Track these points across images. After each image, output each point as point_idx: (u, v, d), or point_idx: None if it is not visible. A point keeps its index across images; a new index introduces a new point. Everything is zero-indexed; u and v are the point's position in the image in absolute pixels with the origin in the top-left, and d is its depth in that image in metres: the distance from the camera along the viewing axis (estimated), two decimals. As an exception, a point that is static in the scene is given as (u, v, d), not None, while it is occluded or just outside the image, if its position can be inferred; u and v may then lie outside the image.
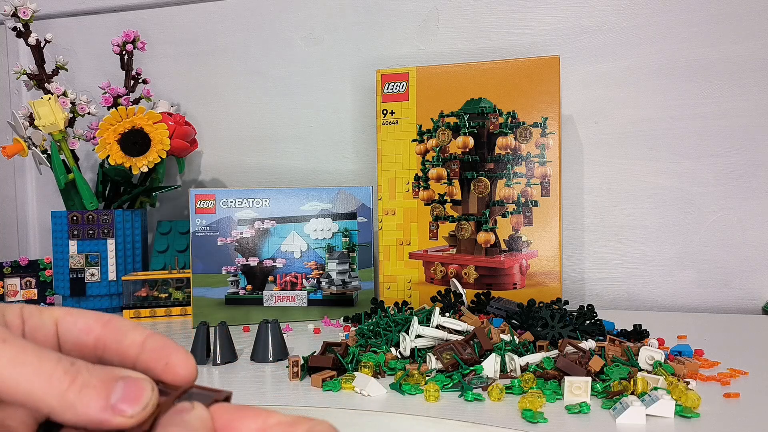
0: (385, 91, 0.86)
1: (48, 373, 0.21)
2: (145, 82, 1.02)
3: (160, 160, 0.88)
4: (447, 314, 0.70)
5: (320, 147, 1.07)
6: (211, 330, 0.65)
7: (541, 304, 0.69)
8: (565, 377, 0.50)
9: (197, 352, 0.63)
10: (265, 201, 0.83)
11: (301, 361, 0.58)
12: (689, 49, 0.91)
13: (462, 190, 0.84)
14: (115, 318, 0.26)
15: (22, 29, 0.92)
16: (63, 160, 0.94)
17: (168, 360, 0.24)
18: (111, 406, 0.21)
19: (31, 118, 0.95)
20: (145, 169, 0.88)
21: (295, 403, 0.51)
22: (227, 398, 0.24)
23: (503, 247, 0.83)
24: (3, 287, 0.94)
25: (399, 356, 0.61)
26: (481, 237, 0.83)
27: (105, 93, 0.97)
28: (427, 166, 0.85)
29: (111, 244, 0.92)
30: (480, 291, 0.81)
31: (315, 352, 0.61)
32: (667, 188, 0.93)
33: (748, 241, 0.90)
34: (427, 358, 0.58)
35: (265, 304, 0.83)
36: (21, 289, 0.95)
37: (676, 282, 0.93)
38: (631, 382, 0.50)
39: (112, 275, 0.92)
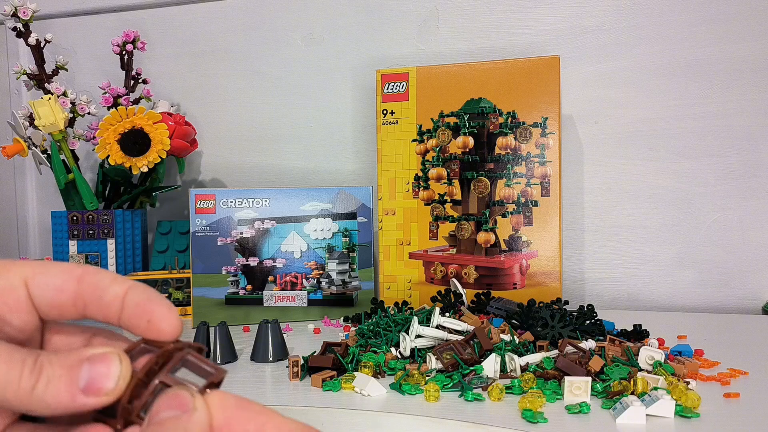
0: (385, 91, 0.86)
1: (16, 377, 0.21)
2: (145, 82, 1.02)
3: (160, 160, 0.88)
4: (447, 314, 0.70)
5: (320, 147, 1.07)
6: (211, 330, 0.65)
7: (541, 304, 0.69)
8: (565, 377, 0.50)
9: (197, 352, 0.63)
10: (265, 201, 0.83)
11: (301, 361, 0.58)
12: (689, 49, 0.91)
13: (462, 190, 0.84)
14: (89, 271, 0.24)
15: (22, 29, 0.92)
16: (63, 160, 0.94)
17: (150, 316, 0.23)
18: (82, 390, 0.21)
19: (31, 118, 0.95)
20: (145, 169, 0.88)
21: (295, 403, 0.51)
22: (221, 381, 0.23)
23: (503, 247, 0.83)
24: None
25: (399, 356, 0.61)
26: (481, 237, 0.83)
27: (105, 93, 0.97)
28: (427, 166, 0.85)
29: (111, 244, 0.92)
30: (480, 291, 0.81)
31: (315, 352, 0.61)
32: (667, 188, 0.93)
33: (748, 241, 0.90)
34: (427, 358, 0.58)
35: (265, 304, 0.83)
36: (21, 289, 0.95)
37: (676, 282, 0.93)
38: (631, 382, 0.50)
39: (112, 275, 0.92)
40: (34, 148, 0.94)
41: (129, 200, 0.99)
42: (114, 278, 0.24)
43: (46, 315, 0.24)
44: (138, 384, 0.22)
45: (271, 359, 0.63)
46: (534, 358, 0.57)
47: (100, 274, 0.24)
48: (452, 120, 0.84)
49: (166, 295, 0.88)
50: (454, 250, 0.85)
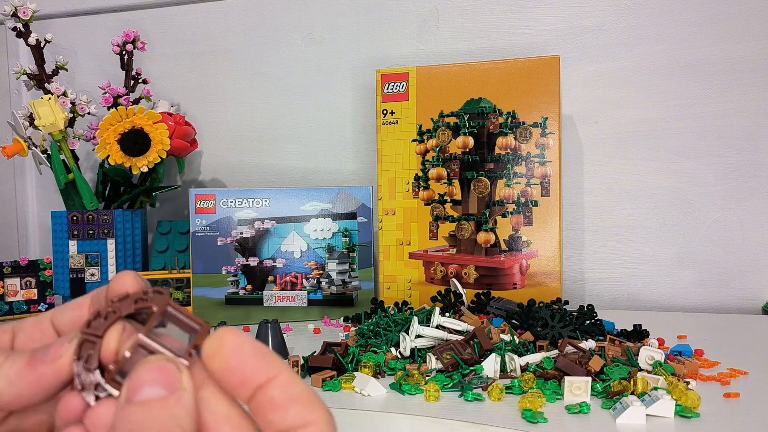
0: (385, 91, 0.86)
1: None
2: (145, 82, 1.02)
3: (160, 160, 0.88)
4: (447, 314, 0.70)
5: (320, 147, 1.07)
6: (211, 330, 0.65)
7: (541, 304, 0.69)
8: (565, 377, 0.50)
9: (197, 352, 0.63)
10: (265, 201, 0.83)
11: (301, 361, 0.58)
12: (689, 49, 0.91)
13: (462, 190, 0.84)
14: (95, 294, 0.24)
15: (22, 29, 0.92)
16: (63, 160, 0.94)
17: (116, 279, 0.23)
18: (40, 360, 0.21)
19: (31, 118, 0.95)
20: (145, 169, 0.88)
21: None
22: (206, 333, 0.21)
23: (503, 247, 0.83)
24: (3, 287, 0.94)
25: (399, 356, 0.61)
26: (481, 237, 0.83)
27: (105, 93, 0.97)
28: (427, 166, 0.85)
29: (111, 244, 0.92)
30: (480, 291, 0.81)
31: (315, 352, 0.61)
32: (667, 188, 0.93)
33: (748, 241, 0.90)
34: (427, 358, 0.58)
35: (265, 304, 0.83)
36: (21, 289, 0.95)
37: (676, 282, 0.93)
38: (631, 382, 0.50)
39: (112, 275, 0.92)
40: (34, 148, 0.94)
41: (129, 200, 0.99)
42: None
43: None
44: (86, 341, 0.21)
45: (271, 359, 0.63)
46: (534, 358, 0.57)
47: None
48: (452, 120, 0.84)
49: (166, 295, 0.88)
50: (454, 250, 0.85)
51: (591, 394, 0.50)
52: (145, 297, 0.22)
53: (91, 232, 0.91)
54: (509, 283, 0.83)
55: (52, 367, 0.21)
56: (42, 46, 0.93)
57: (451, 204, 0.85)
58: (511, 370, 0.56)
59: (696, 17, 0.90)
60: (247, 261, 0.82)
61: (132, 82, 0.99)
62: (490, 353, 0.56)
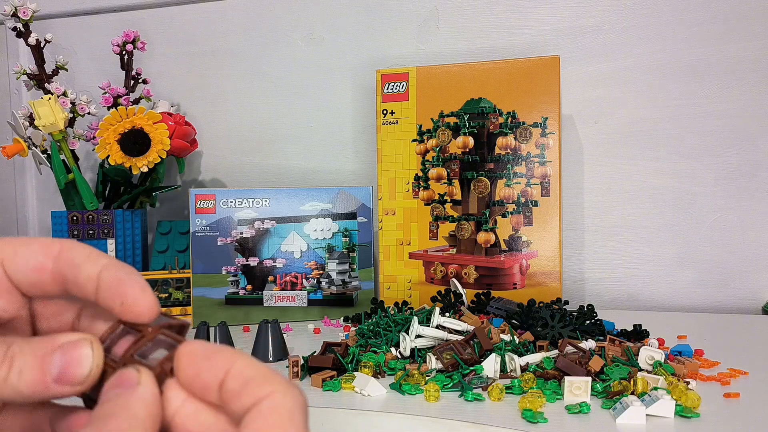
0: (385, 91, 0.86)
1: None
2: (145, 82, 1.02)
3: (160, 160, 0.88)
4: (447, 314, 0.70)
5: (320, 147, 1.07)
6: (211, 330, 0.65)
7: (541, 304, 0.69)
8: (565, 377, 0.50)
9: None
10: (265, 201, 0.83)
11: (301, 361, 0.58)
12: (689, 49, 0.91)
13: (462, 190, 0.84)
14: (66, 247, 0.23)
15: (22, 29, 0.92)
16: (63, 160, 0.94)
17: (123, 299, 0.22)
18: (55, 380, 0.21)
19: (31, 118, 0.95)
20: (145, 169, 0.88)
21: (295, 403, 0.51)
22: (183, 328, 0.22)
23: (503, 247, 0.83)
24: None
25: (399, 356, 0.61)
26: (481, 237, 0.83)
27: (105, 93, 0.97)
28: (427, 166, 0.85)
29: (111, 244, 0.92)
30: (480, 291, 0.81)
31: (315, 352, 0.61)
32: (667, 188, 0.93)
33: (748, 241, 0.90)
34: (427, 358, 0.58)
35: (265, 304, 0.83)
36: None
37: (676, 282, 0.93)
38: (631, 382, 0.50)
39: (112, 275, 0.92)
40: (34, 148, 0.94)
41: (129, 200, 0.99)
42: (88, 256, 0.23)
43: (30, 293, 0.23)
44: (116, 369, 0.21)
45: (271, 359, 0.63)
46: (534, 358, 0.57)
47: (76, 250, 0.23)
48: (452, 120, 0.84)
49: (166, 294, 0.88)
50: (454, 250, 0.85)
51: (591, 394, 0.50)
52: (156, 328, 0.22)
53: (91, 232, 0.91)
54: (509, 283, 0.83)
55: (71, 390, 0.21)
56: (42, 46, 0.93)
57: (451, 204, 0.85)
58: (511, 370, 0.56)
59: (696, 17, 0.90)
60: (247, 261, 0.82)
61: (132, 82, 0.99)
62: (490, 353, 0.56)
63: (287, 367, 0.60)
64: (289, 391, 0.20)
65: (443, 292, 0.81)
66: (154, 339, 0.22)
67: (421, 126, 0.85)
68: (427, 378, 0.55)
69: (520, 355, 0.59)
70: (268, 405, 0.19)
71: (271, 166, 1.10)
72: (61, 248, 0.23)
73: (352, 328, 0.77)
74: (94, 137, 0.96)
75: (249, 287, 0.83)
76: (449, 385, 0.53)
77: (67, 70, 0.98)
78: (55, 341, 0.22)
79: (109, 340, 0.22)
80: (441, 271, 0.85)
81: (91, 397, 0.22)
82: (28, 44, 0.92)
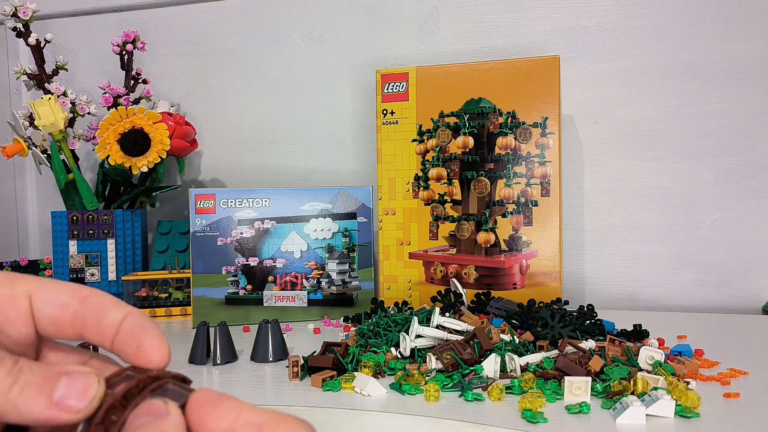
0: (385, 91, 0.86)
1: None
2: (145, 82, 1.02)
3: (160, 160, 0.88)
4: (447, 314, 0.70)
5: (320, 147, 1.07)
6: (211, 330, 0.65)
7: (541, 304, 0.69)
8: (565, 377, 0.50)
9: (197, 352, 0.63)
10: (265, 201, 0.83)
11: (301, 361, 0.58)
12: (689, 49, 0.91)
13: (462, 190, 0.84)
14: (95, 293, 0.24)
15: (22, 29, 0.92)
16: (63, 160, 0.94)
17: (140, 343, 0.23)
18: (55, 403, 0.21)
19: (31, 118, 0.95)
20: (145, 169, 0.88)
21: (295, 403, 0.51)
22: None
23: (503, 247, 0.83)
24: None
25: (399, 356, 0.61)
26: (481, 237, 0.83)
27: (105, 93, 0.97)
28: (427, 166, 0.85)
29: (111, 244, 0.92)
30: (480, 291, 0.81)
31: (315, 352, 0.61)
32: (667, 188, 0.93)
33: (748, 241, 0.90)
34: (427, 358, 0.58)
35: (265, 304, 0.83)
36: (21, 289, 0.95)
37: (676, 282, 0.93)
38: (631, 382, 0.50)
39: (112, 275, 0.92)
40: (34, 148, 0.94)
41: (129, 200, 0.99)
42: (116, 303, 0.24)
43: (44, 331, 0.24)
44: (113, 406, 0.22)
45: (271, 359, 0.63)
46: (534, 358, 0.57)
47: (104, 297, 0.24)
48: (452, 120, 0.84)
49: (166, 294, 0.88)
50: (454, 250, 0.85)
51: (591, 394, 0.50)
52: (162, 375, 0.23)
53: (91, 232, 0.91)
54: (509, 283, 0.83)
55: (68, 417, 0.21)
56: (42, 46, 0.93)
57: (451, 204, 0.85)
58: (511, 370, 0.56)
59: (696, 17, 0.90)
60: (247, 261, 0.82)
61: (132, 82, 0.99)
62: (490, 353, 0.56)
63: (287, 367, 0.60)
64: (302, 425, 0.21)
65: (443, 292, 0.81)
66: (164, 386, 0.23)
67: (421, 126, 0.85)
68: (427, 378, 0.55)
69: (520, 355, 0.59)
70: None
71: (271, 166, 1.10)
72: (90, 293, 0.24)
73: (352, 328, 0.77)
74: (94, 137, 0.96)
75: (249, 287, 0.83)
76: (449, 385, 0.53)
77: (67, 70, 0.98)
78: (63, 368, 0.22)
79: (113, 381, 0.23)
80: (441, 271, 0.85)
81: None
82: (28, 44, 0.92)
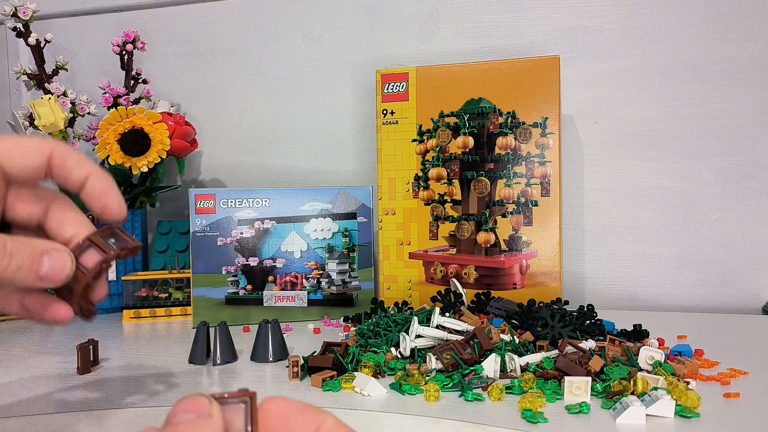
0: (385, 91, 0.86)
1: None
2: (145, 82, 1.02)
3: (160, 160, 0.88)
4: (447, 314, 0.70)
5: (320, 147, 1.07)
6: (211, 330, 0.65)
7: (541, 304, 0.69)
8: (565, 377, 0.50)
9: (197, 353, 0.63)
10: (265, 201, 0.83)
11: (301, 361, 0.58)
12: (689, 49, 0.91)
13: (462, 190, 0.84)
14: (57, 149, 0.33)
15: (22, 29, 0.92)
16: (63, 160, 0.94)
17: (105, 205, 0.34)
18: (41, 277, 0.31)
19: (31, 118, 0.95)
20: (145, 169, 0.88)
21: (295, 403, 0.51)
22: (136, 248, 0.35)
23: (503, 247, 0.83)
24: (3, 287, 0.94)
25: (399, 356, 0.61)
26: (481, 237, 0.83)
27: (105, 93, 0.97)
28: (427, 166, 0.85)
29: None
30: (480, 291, 0.81)
31: (315, 352, 0.61)
32: (667, 188, 0.93)
33: (748, 241, 0.90)
34: (427, 358, 0.58)
35: (265, 304, 0.83)
36: (21, 289, 0.95)
37: (676, 282, 0.93)
38: (631, 382, 0.50)
39: (111, 275, 0.92)
40: (34, 148, 0.93)
41: (129, 200, 0.99)
42: (78, 162, 0.34)
43: (15, 180, 0.33)
44: (85, 274, 0.34)
45: (271, 359, 0.63)
46: (534, 358, 0.57)
47: (67, 155, 0.33)
48: (452, 120, 0.84)
49: (166, 294, 0.88)
50: (454, 250, 0.85)
51: (591, 394, 0.50)
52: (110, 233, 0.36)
53: (91, 232, 0.91)
54: (509, 283, 0.83)
55: (52, 284, 0.32)
56: (42, 46, 0.93)
57: (451, 204, 0.85)
58: (511, 370, 0.56)
59: (696, 17, 0.90)
60: (247, 261, 0.82)
61: (132, 82, 0.99)
62: (490, 353, 0.56)
63: (287, 367, 0.60)
64: None
65: (443, 292, 0.81)
66: (111, 229, 0.35)
67: (421, 126, 0.85)
68: (427, 378, 0.55)
69: (520, 355, 0.59)
70: None
71: (271, 166, 1.10)
72: (53, 150, 0.33)
73: (352, 328, 0.77)
74: (94, 137, 0.96)
75: (249, 287, 0.83)
76: (449, 385, 0.53)
77: (67, 70, 0.98)
78: (44, 246, 0.32)
79: (78, 251, 0.34)
80: (441, 271, 0.85)
81: (57, 289, 0.34)
82: (28, 44, 0.92)
